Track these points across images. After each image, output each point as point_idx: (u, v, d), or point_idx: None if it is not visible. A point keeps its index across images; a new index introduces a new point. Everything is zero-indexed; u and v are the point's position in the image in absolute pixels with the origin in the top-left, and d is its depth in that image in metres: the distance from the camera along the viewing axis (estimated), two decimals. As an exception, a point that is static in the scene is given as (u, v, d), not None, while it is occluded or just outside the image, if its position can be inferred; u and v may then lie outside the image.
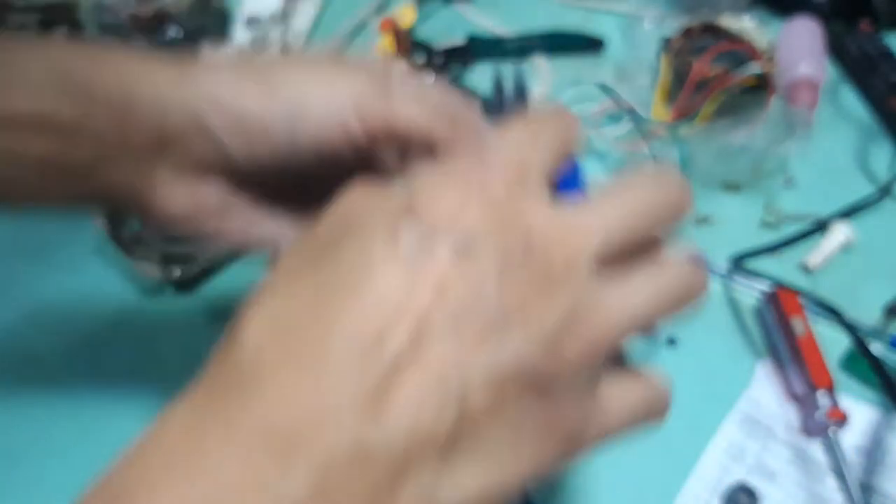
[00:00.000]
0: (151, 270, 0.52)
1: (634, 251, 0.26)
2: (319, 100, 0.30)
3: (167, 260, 0.53)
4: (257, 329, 0.23)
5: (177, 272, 0.52)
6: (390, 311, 0.22)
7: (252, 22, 0.58)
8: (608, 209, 0.25)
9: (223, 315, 0.49)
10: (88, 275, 0.54)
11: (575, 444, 0.25)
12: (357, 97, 0.30)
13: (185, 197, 0.33)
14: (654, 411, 0.28)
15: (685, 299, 0.26)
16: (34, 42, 0.32)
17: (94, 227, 0.52)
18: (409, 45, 0.62)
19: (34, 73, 0.30)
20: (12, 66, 0.30)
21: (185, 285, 0.54)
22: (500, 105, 0.58)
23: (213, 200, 0.33)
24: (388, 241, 0.23)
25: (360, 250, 0.23)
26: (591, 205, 0.25)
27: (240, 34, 0.58)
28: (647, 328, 0.26)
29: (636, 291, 0.25)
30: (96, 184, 0.32)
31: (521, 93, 0.59)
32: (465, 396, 0.22)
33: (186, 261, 0.53)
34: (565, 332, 0.23)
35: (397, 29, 0.60)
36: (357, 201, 0.25)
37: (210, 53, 0.47)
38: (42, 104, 0.30)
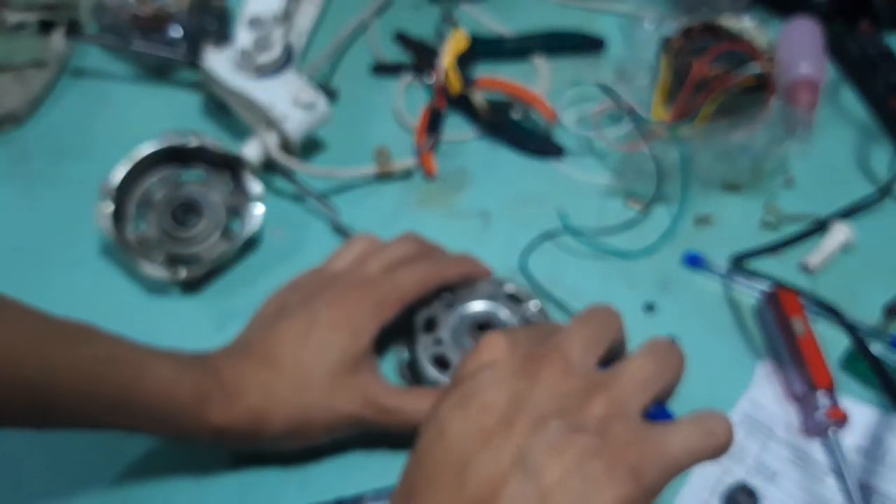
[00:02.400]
0: (157, 271, 0.52)
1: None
2: (351, 407, 0.44)
3: (173, 261, 0.53)
4: (402, 499, 0.33)
5: (183, 273, 0.52)
6: (463, 440, 0.31)
7: (254, 23, 0.58)
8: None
9: (229, 315, 0.49)
10: (93, 275, 0.54)
11: (642, 478, 0.30)
12: (368, 395, 0.45)
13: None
14: (712, 439, 0.33)
15: (673, 371, 0.35)
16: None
17: (97, 228, 0.52)
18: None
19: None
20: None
21: (192, 286, 0.54)
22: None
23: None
24: (446, 403, 0.33)
25: (434, 421, 0.33)
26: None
27: (242, 35, 0.58)
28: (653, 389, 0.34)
29: (639, 365, 0.35)
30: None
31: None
32: (536, 468, 0.30)
33: (192, 261, 0.53)
34: (588, 398, 0.33)
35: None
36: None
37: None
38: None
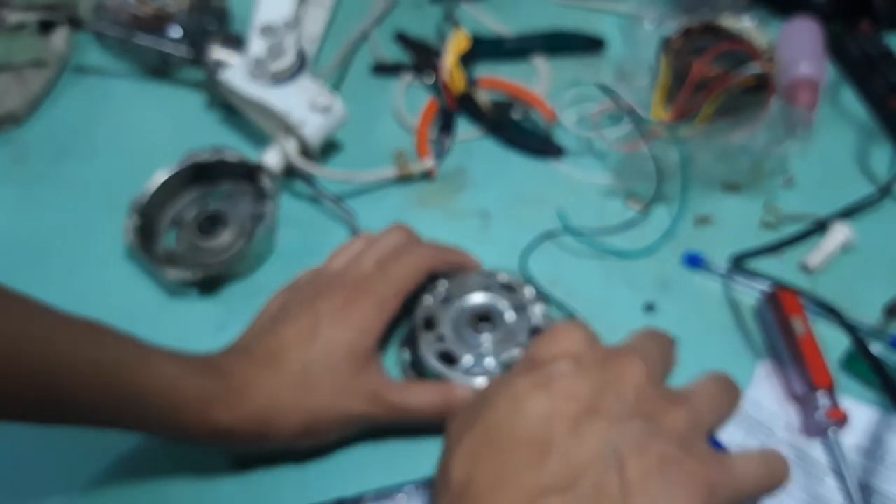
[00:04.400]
0: (177, 274, 0.52)
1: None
2: (360, 406, 0.44)
3: (197, 267, 0.53)
4: (462, 465, 0.33)
5: (200, 275, 0.52)
6: (546, 421, 0.32)
7: (266, 30, 0.58)
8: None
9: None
10: (93, 276, 0.54)
11: (713, 498, 0.32)
12: (377, 393, 0.44)
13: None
14: (773, 474, 0.35)
15: (734, 402, 0.37)
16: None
17: (100, 230, 0.52)
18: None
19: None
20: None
21: (209, 286, 0.54)
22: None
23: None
24: (525, 382, 0.33)
25: (509, 396, 0.33)
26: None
27: (255, 44, 0.58)
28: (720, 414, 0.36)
29: (710, 389, 0.36)
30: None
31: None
32: (621, 461, 0.31)
33: (213, 266, 0.53)
34: (669, 408, 0.33)
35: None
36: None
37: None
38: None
